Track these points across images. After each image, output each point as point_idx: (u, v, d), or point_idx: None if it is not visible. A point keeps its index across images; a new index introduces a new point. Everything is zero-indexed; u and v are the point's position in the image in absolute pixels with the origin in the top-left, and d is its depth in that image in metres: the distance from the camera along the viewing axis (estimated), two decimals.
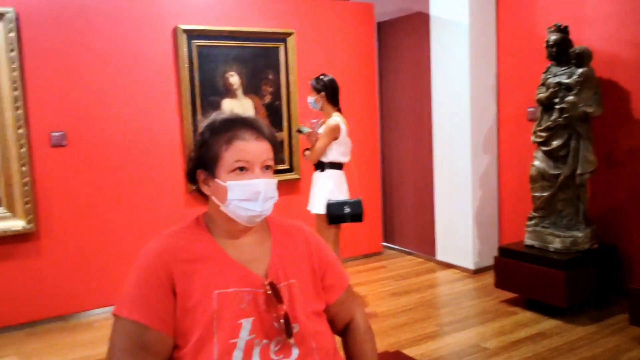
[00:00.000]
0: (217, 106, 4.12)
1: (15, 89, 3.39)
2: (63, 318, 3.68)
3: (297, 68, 4.44)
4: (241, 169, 1.28)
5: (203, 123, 1.35)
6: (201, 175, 1.34)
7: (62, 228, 3.65)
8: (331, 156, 3.55)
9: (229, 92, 4.18)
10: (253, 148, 1.29)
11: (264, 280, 1.29)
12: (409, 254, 5.09)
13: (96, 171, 3.73)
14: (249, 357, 1.23)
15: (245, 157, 1.28)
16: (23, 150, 3.44)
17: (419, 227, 5.02)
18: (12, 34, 3.36)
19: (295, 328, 1.28)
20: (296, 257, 1.40)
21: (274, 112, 4.39)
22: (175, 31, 3.93)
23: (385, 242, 5.39)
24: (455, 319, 3.51)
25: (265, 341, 1.25)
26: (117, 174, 3.81)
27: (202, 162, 1.32)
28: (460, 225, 4.47)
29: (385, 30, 5.22)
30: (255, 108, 4.30)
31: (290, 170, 4.50)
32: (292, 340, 1.27)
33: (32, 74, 3.50)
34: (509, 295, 3.77)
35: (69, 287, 3.68)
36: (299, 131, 3.53)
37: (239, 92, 4.22)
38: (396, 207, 5.32)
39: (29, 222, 3.48)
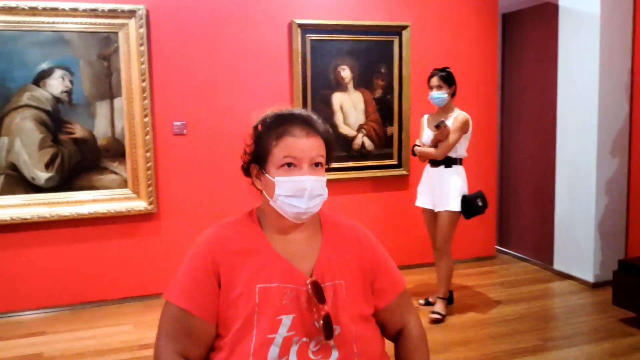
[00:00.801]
0: (327, 100, 4.16)
1: (144, 80, 3.68)
2: None
3: (411, 62, 4.34)
4: (289, 165, 1.27)
5: (258, 118, 1.35)
6: (254, 169, 1.35)
7: (179, 210, 3.91)
8: (460, 151, 3.50)
9: (340, 86, 4.20)
10: (302, 144, 1.27)
11: (307, 278, 1.28)
12: (524, 260, 4.78)
13: (212, 159, 3.94)
14: (285, 354, 1.22)
15: (294, 154, 1.26)
16: (148, 137, 3.73)
17: (536, 232, 4.70)
18: (142, 30, 3.65)
19: (337, 330, 1.25)
20: (346, 257, 1.36)
21: (385, 106, 4.33)
22: (290, 25, 4.02)
23: (500, 246, 5.11)
24: (563, 334, 3.25)
25: (304, 339, 1.24)
26: (231, 162, 3.99)
27: (255, 157, 1.33)
28: (582, 233, 4.10)
29: (510, 22, 4.92)
30: (366, 102, 4.27)
31: (398, 165, 4.42)
32: (332, 342, 1.25)
33: (158, 67, 3.78)
34: (629, 314, 3.41)
35: None
36: (437, 126, 3.39)
37: (350, 86, 4.22)
38: (513, 209, 5.03)
39: (150, 203, 3.78)
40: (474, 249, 4.79)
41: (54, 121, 3.60)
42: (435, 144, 3.48)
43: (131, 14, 3.63)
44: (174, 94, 3.83)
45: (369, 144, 4.33)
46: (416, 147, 3.59)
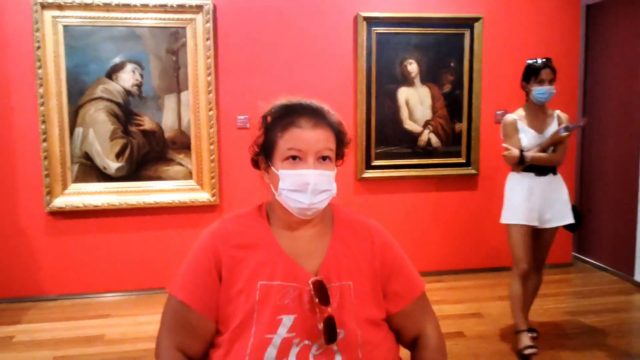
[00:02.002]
0: (392, 95, 4.05)
1: (209, 74, 3.74)
2: None
3: (482, 56, 4.13)
4: (294, 157, 1.21)
5: (267, 107, 1.30)
6: (262, 162, 1.29)
7: (240, 203, 3.95)
8: None
9: (406, 81, 4.07)
10: (308, 136, 1.20)
11: (311, 276, 1.20)
12: (603, 269, 4.44)
13: None
14: (284, 356, 1.15)
15: (298, 146, 1.20)
16: (212, 130, 3.79)
17: (617, 240, 4.35)
18: (209, 24, 3.70)
19: (341, 334, 1.17)
20: (356, 256, 1.27)
21: (453, 102, 4.16)
22: (356, 19, 3.94)
23: (577, 253, 4.79)
24: (636, 352, 2.98)
25: (306, 342, 1.17)
26: None
27: (262, 149, 1.28)
28: None
29: (594, 14, 4.57)
30: (433, 97, 4.12)
31: (466, 164, 4.23)
32: (335, 347, 1.17)
33: (223, 61, 3.83)
34: None
35: None
36: (567, 129, 2.92)
37: (417, 81, 4.08)
38: (592, 215, 4.69)
39: (213, 195, 3.85)
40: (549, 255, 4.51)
41: (124, 113, 3.74)
42: (547, 147, 2.95)
43: (198, 9, 3.69)
44: (238, 88, 3.87)
45: (435, 141, 4.18)
46: (527, 154, 2.93)
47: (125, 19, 3.65)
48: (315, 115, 1.24)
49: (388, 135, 4.11)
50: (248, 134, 3.90)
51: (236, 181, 3.93)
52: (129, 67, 3.71)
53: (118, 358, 2.93)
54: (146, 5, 3.64)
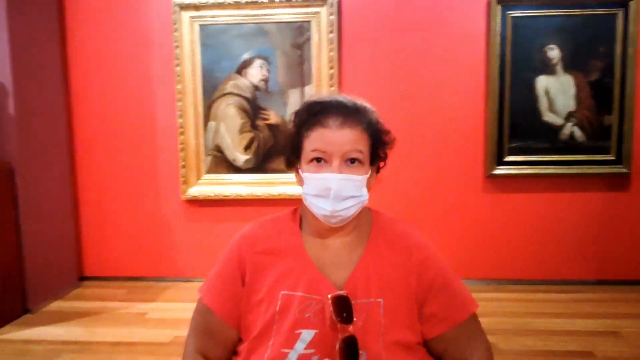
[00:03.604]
0: (529, 84, 3.70)
1: (331, 67, 3.73)
2: None
3: (639, 39, 3.61)
4: (318, 160, 1.11)
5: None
6: (295, 163, 1.20)
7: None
8: None
9: (546, 68, 3.69)
10: (333, 137, 1.09)
11: (335, 290, 1.09)
12: None
13: (394, 148, 3.82)
14: None
15: (322, 147, 1.10)
16: None
17: None
18: (333, 17, 3.68)
19: (363, 356, 1.04)
20: (390, 272, 1.12)
21: (601, 92, 3.68)
22: (489, 3, 3.66)
23: None
24: None
25: None
26: (413, 152, 3.83)
27: (293, 149, 1.19)
28: None
29: None
30: (578, 86, 3.69)
31: (617, 162, 3.73)
32: None
33: (347, 54, 3.78)
34: None
35: None
36: None
37: (559, 68, 3.68)
38: None
39: None
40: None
41: (252, 108, 3.87)
42: None
43: (323, 2, 3.68)
44: (361, 81, 3.80)
45: (579, 135, 3.74)
46: None
47: (254, 15, 3.77)
48: (345, 112, 1.13)
49: (523, 128, 3.77)
50: None
51: None
52: (257, 62, 3.83)
53: None
54: (272, 1, 3.72)
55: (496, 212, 3.85)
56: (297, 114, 1.20)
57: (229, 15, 3.79)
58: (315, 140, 1.13)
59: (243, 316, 1.17)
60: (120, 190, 4.07)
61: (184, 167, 3.94)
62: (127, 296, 3.78)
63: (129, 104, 3.98)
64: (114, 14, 3.91)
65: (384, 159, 1.23)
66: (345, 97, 1.19)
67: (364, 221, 1.23)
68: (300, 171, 1.18)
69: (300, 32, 3.77)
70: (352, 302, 1.09)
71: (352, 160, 1.13)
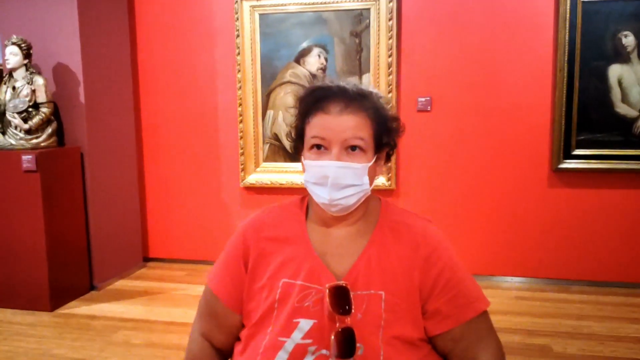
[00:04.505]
0: (601, 73, 3.48)
1: (390, 55, 3.66)
2: None
3: None
4: (318, 147, 1.07)
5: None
6: (300, 150, 1.16)
7: (418, 189, 3.82)
8: None
9: (619, 56, 3.45)
10: (333, 123, 1.04)
11: (336, 280, 1.05)
12: None
13: (455, 139, 3.72)
14: None
15: (321, 134, 1.06)
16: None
17: None
18: (392, 4, 3.61)
19: (360, 350, 1.00)
20: (394, 264, 1.07)
21: None
22: None
23: None
24: None
25: (323, 351, 1.03)
26: (476, 143, 3.70)
27: (297, 136, 1.16)
28: None
29: None
30: None
31: None
32: None
33: (406, 41, 3.70)
34: None
35: None
36: None
37: (634, 56, 3.43)
38: None
39: (388, 179, 3.78)
40: None
41: None
42: None
43: None
44: (420, 69, 3.72)
45: None
46: None
47: (313, 3, 3.76)
48: (347, 98, 1.08)
49: (594, 120, 3.55)
50: (429, 117, 3.73)
51: (414, 166, 3.81)
52: (315, 51, 3.83)
53: None
54: None
55: (562, 208, 3.66)
56: (301, 100, 1.17)
57: (288, 4, 3.80)
58: (316, 126, 1.09)
59: (245, 303, 1.16)
60: (184, 176, 4.22)
61: (242, 154, 4.02)
62: (186, 278, 3.91)
63: (193, 92, 4.10)
64: (179, 4, 4.03)
65: (393, 146, 1.17)
66: (350, 83, 1.13)
67: (372, 211, 1.18)
68: (302, 158, 1.15)
69: (359, 20, 3.73)
70: (352, 293, 1.05)
71: (353, 148, 1.08)
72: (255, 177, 4.03)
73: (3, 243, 3.34)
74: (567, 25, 3.45)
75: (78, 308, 3.37)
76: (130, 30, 4.09)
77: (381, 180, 3.79)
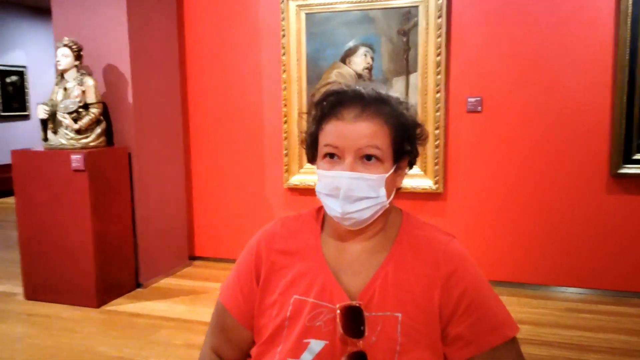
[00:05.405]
0: None
1: (439, 54, 3.55)
2: None
3: None
4: (331, 156, 0.99)
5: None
6: (315, 158, 1.08)
7: (467, 192, 3.69)
8: None
9: None
10: (346, 130, 0.96)
11: (350, 299, 0.97)
12: None
13: (506, 141, 3.57)
14: None
15: (335, 142, 0.98)
16: (438, 114, 3.60)
17: None
18: (441, 1, 3.50)
19: None
20: (413, 283, 0.98)
21: None
22: None
23: None
24: None
25: None
26: (528, 146, 3.54)
27: (311, 142, 1.08)
28: None
29: None
30: None
31: None
32: None
33: (456, 39, 3.58)
34: None
35: None
36: None
37: None
38: None
39: (436, 182, 3.67)
40: None
41: None
42: None
43: None
44: (470, 68, 3.58)
45: None
46: None
47: (360, 2, 3.69)
48: (363, 104, 0.99)
49: None
50: (479, 118, 3.60)
51: (463, 169, 3.68)
52: (362, 50, 3.76)
53: None
54: None
55: (621, 215, 3.46)
56: (315, 104, 1.08)
57: (335, 3, 3.74)
58: (329, 134, 1.01)
59: (256, 318, 1.10)
60: (229, 176, 4.23)
61: (286, 155, 4.00)
62: None
63: (239, 93, 4.11)
64: (226, 5, 4.04)
65: (415, 156, 1.08)
66: (369, 87, 1.04)
67: (392, 225, 1.09)
68: (315, 167, 1.07)
69: (406, 18, 3.64)
70: (366, 314, 0.97)
71: (369, 157, 1.00)
72: (299, 179, 4.00)
73: (52, 240, 3.43)
74: (629, 21, 3.25)
75: (123, 305, 3.42)
76: (178, 31, 4.14)
77: (428, 184, 3.68)
